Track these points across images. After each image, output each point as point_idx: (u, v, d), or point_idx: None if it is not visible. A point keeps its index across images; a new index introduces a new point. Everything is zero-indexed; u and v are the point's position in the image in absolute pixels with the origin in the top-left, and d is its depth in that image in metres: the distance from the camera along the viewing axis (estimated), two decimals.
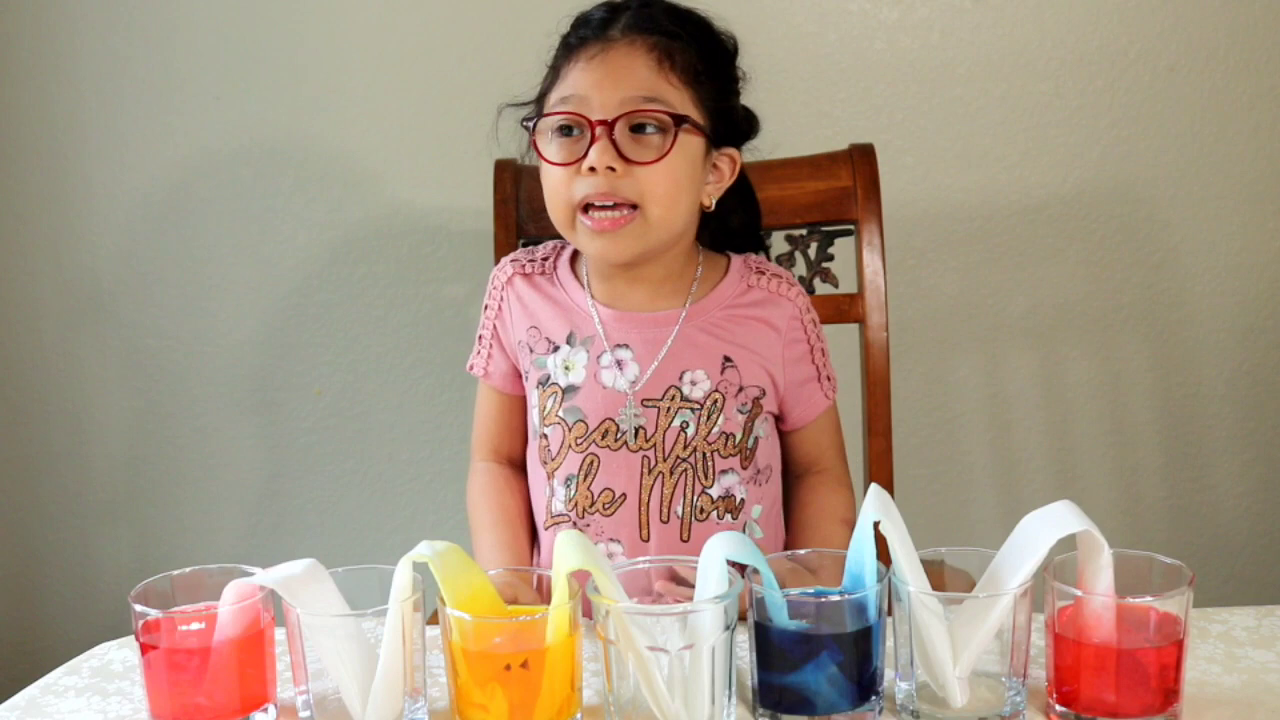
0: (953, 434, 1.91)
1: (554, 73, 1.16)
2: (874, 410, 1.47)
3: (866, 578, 0.88)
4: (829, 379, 1.24)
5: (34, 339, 1.92)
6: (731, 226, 1.26)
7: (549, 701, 0.85)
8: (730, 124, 1.19)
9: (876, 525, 0.89)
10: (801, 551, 1.00)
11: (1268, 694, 0.91)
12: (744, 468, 1.17)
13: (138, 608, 0.89)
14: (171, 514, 1.96)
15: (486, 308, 1.26)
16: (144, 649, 0.89)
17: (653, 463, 1.15)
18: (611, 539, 1.16)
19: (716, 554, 0.87)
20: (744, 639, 0.91)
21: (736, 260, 1.24)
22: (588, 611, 0.89)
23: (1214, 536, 1.94)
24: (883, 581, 0.88)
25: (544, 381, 1.19)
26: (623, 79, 1.10)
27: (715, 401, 1.16)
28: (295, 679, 0.90)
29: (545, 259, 1.25)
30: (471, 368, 1.28)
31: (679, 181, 1.12)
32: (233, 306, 1.89)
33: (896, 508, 0.89)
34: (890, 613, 0.90)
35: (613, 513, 1.15)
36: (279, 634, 0.93)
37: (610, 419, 1.16)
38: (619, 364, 1.17)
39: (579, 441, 1.16)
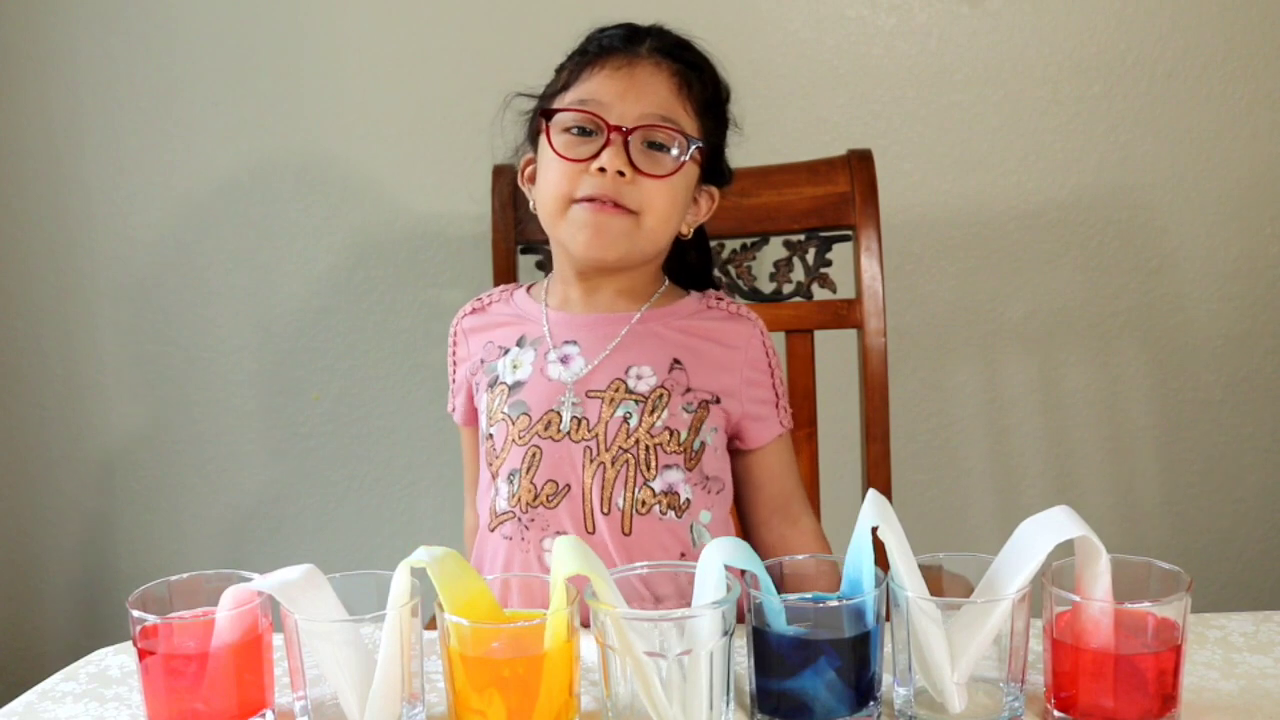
0: (951, 439, 1.91)
1: (569, 77, 1.19)
2: (872, 415, 1.47)
3: (864, 583, 0.88)
4: (786, 410, 1.25)
5: (33, 344, 1.92)
6: (688, 261, 1.29)
7: (547, 707, 0.85)
8: (718, 163, 1.24)
9: (874, 531, 0.89)
10: (800, 557, 1.00)
11: (1265, 699, 0.91)
12: (689, 468, 1.16)
13: (135, 613, 0.89)
14: (169, 519, 1.96)
15: (448, 354, 1.30)
16: (141, 654, 0.89)
17: (595, 453, 1.14)
18: (559, 532, 1.14)
19: (715, 559, 0.87)
20: (742, 644, 0.91)
21: (695, 293, 1.26)
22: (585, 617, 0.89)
23: (1212, 542, 1.94)
24: (881, 587, 0.88)
25: (492, 384, 1.21)
26: (645, 94, 1.15)
27: (660, 396, 1.16)
28: (293, 684, 0.90)
29: (503, 291, 1.29)
30: (449, 405, 1.31)
31: (676, 201, 1.17)
32: (231, 312, 1.89)
33: (894, 513, 0.89)
34: (888, 618, 0.90)
35: (556, 504, 1.14)
36: (277, 640, 0.93)
37: (553, 410, 1.16)
38: (563, 359, 1.18)
39: (522, 435, 1.16)
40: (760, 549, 1.25)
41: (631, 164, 1.13)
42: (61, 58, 1.82)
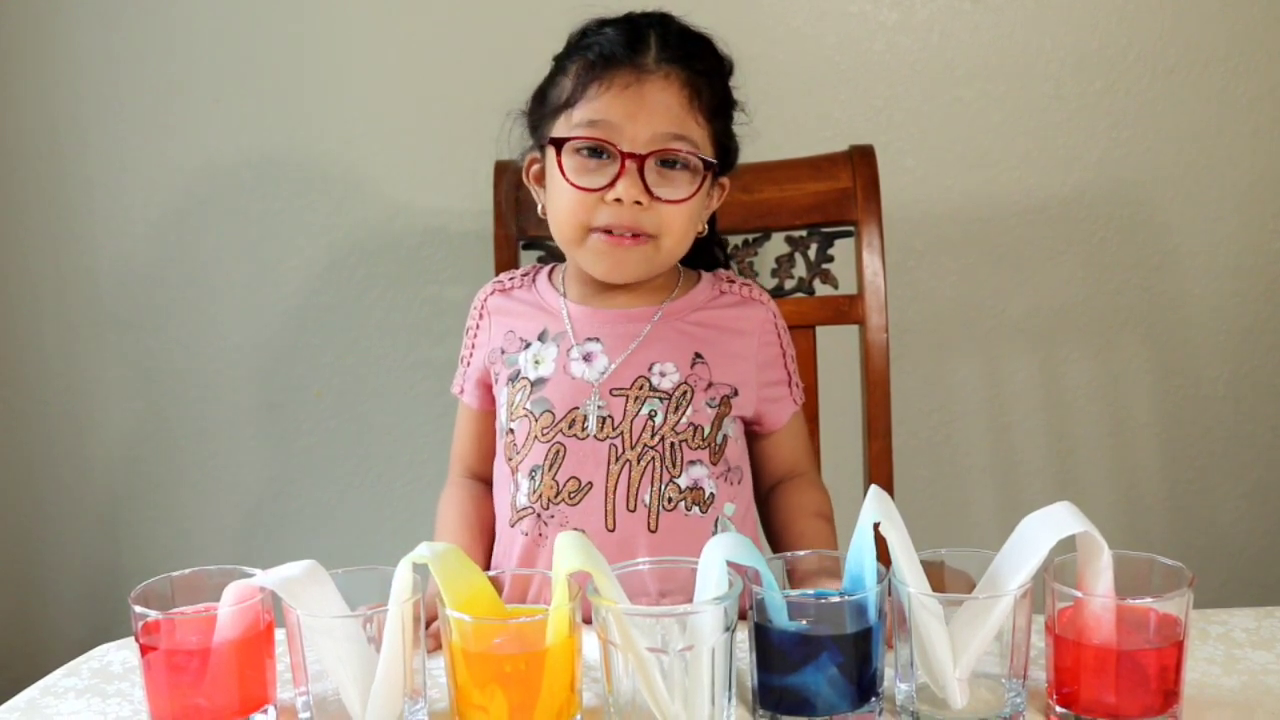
0: (952, 435, 1.91)
1: (574, 91, 1.15)
2: (874, 411, 1.47)
3: (866, 579, 0.88)
4: (798, 385, 1.27)
5: (35, 341, 1.92)
6: (697, 240, 1.26)
7: (549, 703, 0.85)
8: (728, 157, 1.23)
9: (876, 527, 0.89)
10: (801, 553, 1.00)
11: (1267, 695, 0.91)
12: (713, 463, 1.17)
13: (137, 609, 0.90)
14: (171, 515, 1.96)
15: (468, 330, 1.29)
16: (144, 650, 0.89)
17: (620, 450, 1.15)
18: (578, 529, 1.13)
19: (716, 555, 0.87)
20: (744, 639, 0.91)
21: (707, 275, 1.27)
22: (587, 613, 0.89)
23: (1213, 538, 1.94)
24: (883, 583, 0.88)
25: (514, 378, 1.21)
26: (656, 114, 1.13)
27: (684, 393, 1.17)
28: (295, 680, 0.90)
29: (525, 275, 1.29)
30: (455, 387, 1.31)
31: (694, 217, 1.18)
32: (233, 309, 1.89)
33: (896, 509, 0.89)
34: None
35: (578, 502, 1.15)
36: (279, 635, 0.93)
37: (577, 408, 1.16)
38: (586, 357, 1.18)
39: (545, 432, 1.17)
40: (763, 509, 1.29)
41: (648, 190, 1.12)
42: (62, 57, 1.82)
